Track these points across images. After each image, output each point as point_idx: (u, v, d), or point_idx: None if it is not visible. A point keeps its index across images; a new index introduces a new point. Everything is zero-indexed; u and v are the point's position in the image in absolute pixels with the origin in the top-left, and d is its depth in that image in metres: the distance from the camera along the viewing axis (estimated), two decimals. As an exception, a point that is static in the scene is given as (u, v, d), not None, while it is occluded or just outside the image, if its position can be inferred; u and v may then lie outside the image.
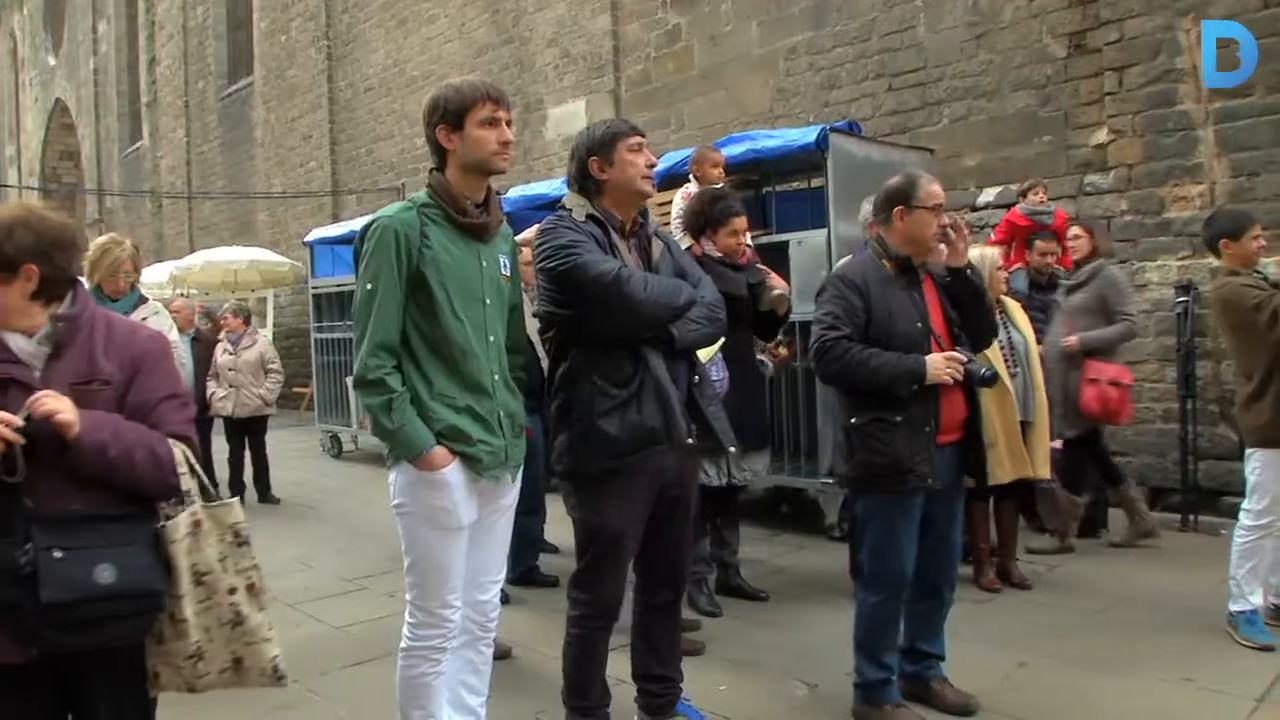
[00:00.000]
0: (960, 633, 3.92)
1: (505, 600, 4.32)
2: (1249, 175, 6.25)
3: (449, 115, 2.59)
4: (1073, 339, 5.44)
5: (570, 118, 11.28)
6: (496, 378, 2.66)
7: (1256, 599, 4.05)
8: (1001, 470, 4.37)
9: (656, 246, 3.05)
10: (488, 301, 2.65)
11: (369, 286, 2.55)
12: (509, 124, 2.64)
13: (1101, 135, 6.95)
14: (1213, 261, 4.53)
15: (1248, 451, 4.03)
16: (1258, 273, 3.98)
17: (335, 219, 14.77)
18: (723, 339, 3.82)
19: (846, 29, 8.64)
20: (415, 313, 2.56)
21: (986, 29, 7.63)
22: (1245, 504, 4.06)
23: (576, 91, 11.36)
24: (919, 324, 3.18)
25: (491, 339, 2.66)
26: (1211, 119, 6.37)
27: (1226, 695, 3.50)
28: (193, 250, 17.82)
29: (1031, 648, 4.03)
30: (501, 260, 2.73)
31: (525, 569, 5.10)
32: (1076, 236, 5.77)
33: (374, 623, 4.60)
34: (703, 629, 4.28)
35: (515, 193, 8.18)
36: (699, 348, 3.06)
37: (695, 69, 10.07)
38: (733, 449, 3.14)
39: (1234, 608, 4.06)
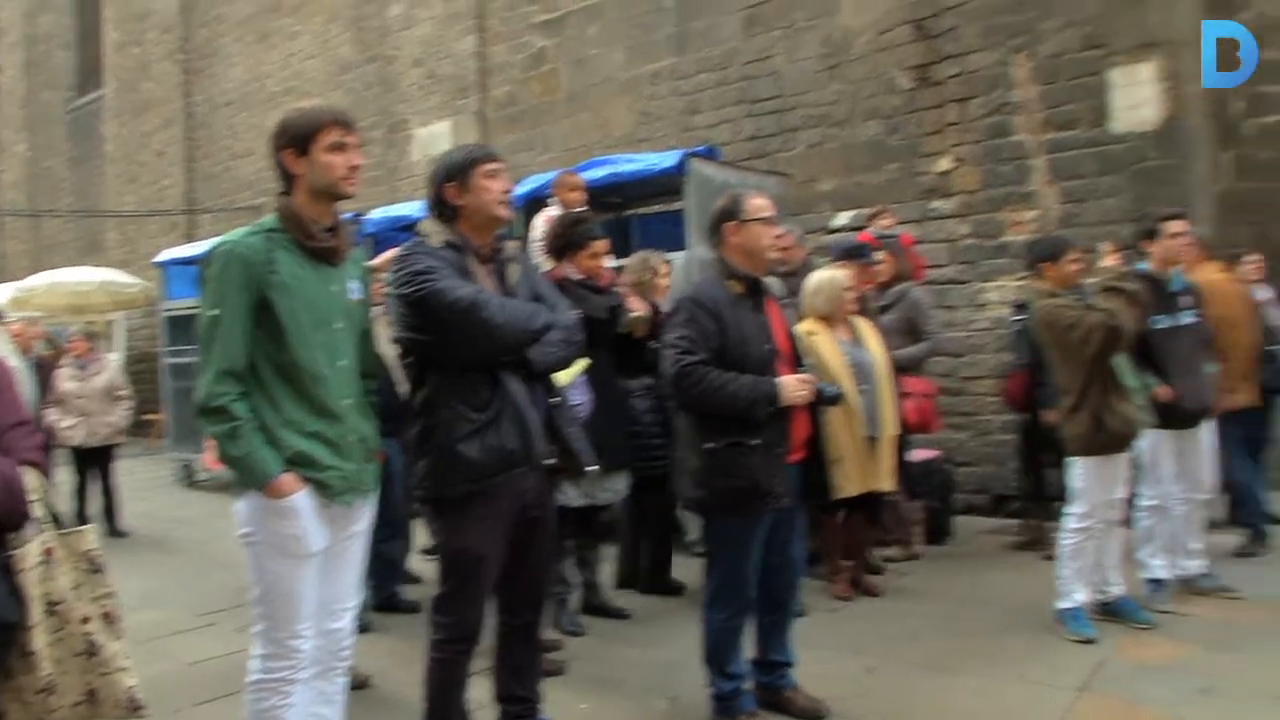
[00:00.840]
0: (814, 641, 4.08)
1: (366, 628, 4.28)
2: (1077, 202, 6.73)
3: (295, 140, 2.60)
4: None
5: (436, 138, 11.22)
6: (348, 402, 2.66)
7: (1081, 596, 4.34)
8: (850, 484, 4.55)
9: (514, 271, 3.10)
10: (338, 326, 2.65)
11: (214, 312, 2.52)
12: (358, 148, 2.66)
13: (945, 163, 7.36)
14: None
15: (1069, 459, 4.34)
16: (1075, 294, 4.29)
17: (190, 239, 14.25)
18: (588, 361, 3.91)
19: (708, 56, 8.89)
20: (263, 338, 2.55)
21: (839, 60, 7.98)
22: (1069, 509, 4.36)
23: (442, 112, 11.31)
24: (767, 346, 3.32)
25: (342, 363, 2.66)
26: (1042, 149, 6.82)
27: (1052, 687, 3.75)
28: (37, 270, 16.87)
29: (880, 652, 4.22)
30: (352, 285, 2.73)
31: (387, 595, 5.04)
32: (879, 261, 5.93)
33: (227, 658, 4.46)
34: (565, 648, 4.32)
35: (379, 214, 8.09)
36: (556, 370, 3.11)
37: (561, 92, 10.17)
38: (593, 469, 3.20)
39: (1061, 605, 4.35)
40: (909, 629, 4.56)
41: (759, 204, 3.37)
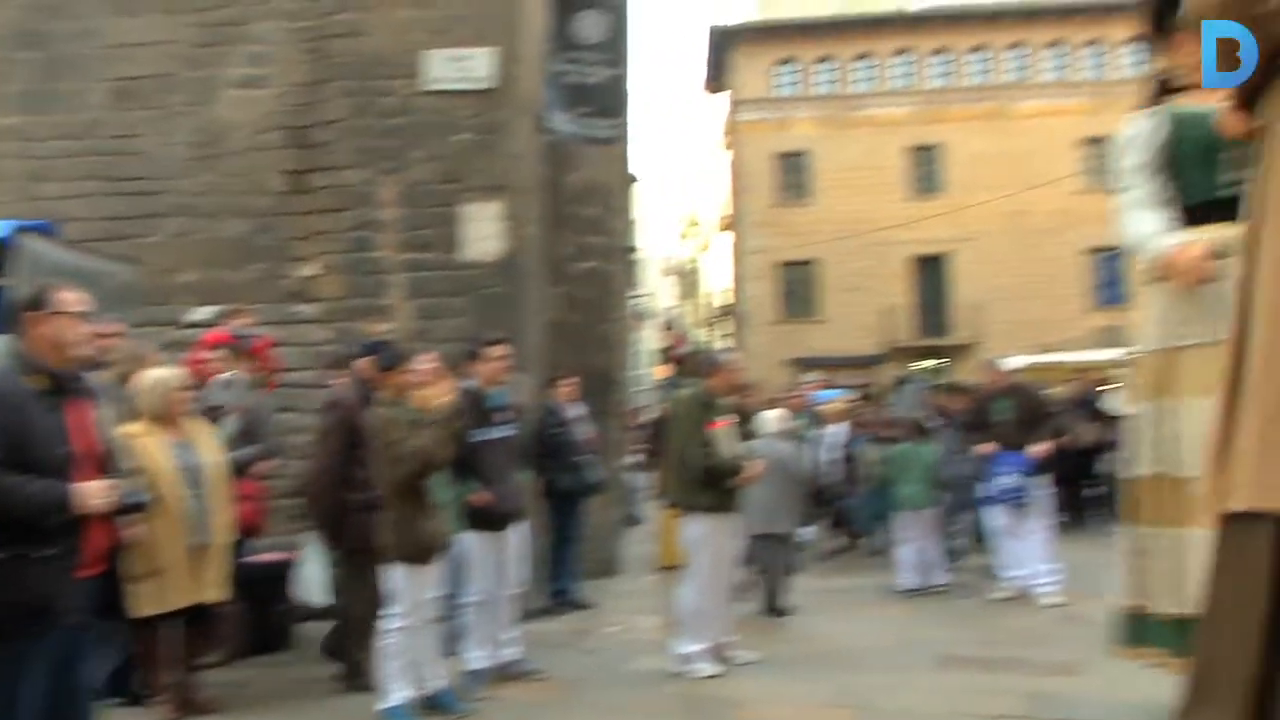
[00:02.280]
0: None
1: None
2: (430, 318, 7.31)
3: None
4: None
5: None
6: None
7: (403, 693, 4.51)
8: (176, 596, 4.35)
9: None
10: None
11: None
12: None
13: (310, 269, 7.56)
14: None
15: (386, 565, 4.57)
16: (408, 406, 4.62)
17: None
18: None
19: (66, 123, 8.10)
20: None
21: (211, 152, 7.81)
22: (387, 611, 4.57)
23: None
24: (63, 449, 3.09)
25: None
26: (400, 267, 7.34)
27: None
28: None
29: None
30: None
31: None
32: (216, 358, 5.84)
33: None
34: None
35: None
36: None
37: None
38: None
39: (383, 706, 4.49)
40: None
41: (69, 297, 3.21)
